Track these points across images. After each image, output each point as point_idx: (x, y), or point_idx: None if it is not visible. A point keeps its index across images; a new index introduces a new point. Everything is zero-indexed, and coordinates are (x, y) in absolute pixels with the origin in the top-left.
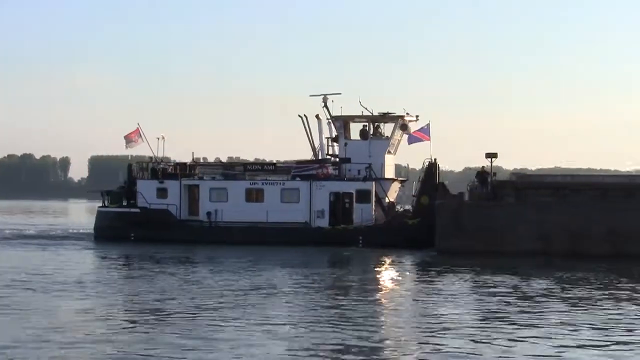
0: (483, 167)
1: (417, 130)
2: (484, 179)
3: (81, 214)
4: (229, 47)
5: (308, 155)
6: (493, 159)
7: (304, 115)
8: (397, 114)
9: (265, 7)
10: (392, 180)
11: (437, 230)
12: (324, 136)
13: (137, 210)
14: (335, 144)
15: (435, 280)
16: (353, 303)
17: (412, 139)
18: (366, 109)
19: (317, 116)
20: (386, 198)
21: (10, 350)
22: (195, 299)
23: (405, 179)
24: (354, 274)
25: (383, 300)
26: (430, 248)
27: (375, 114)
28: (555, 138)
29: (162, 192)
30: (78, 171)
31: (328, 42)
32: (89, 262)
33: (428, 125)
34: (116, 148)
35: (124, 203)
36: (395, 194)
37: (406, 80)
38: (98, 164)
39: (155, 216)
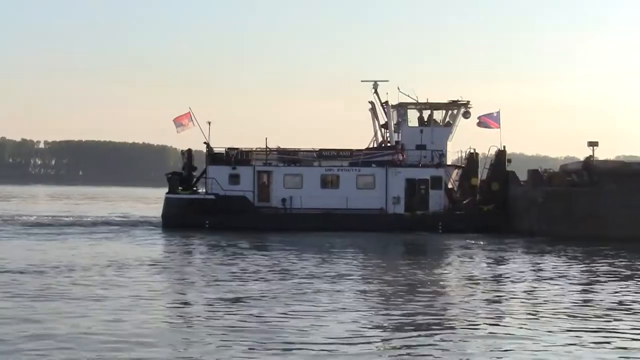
0: (590, 156)
1: (487, 117)
2: (589, 167)
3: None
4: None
5: (347, 142)
6: (595, 147)
7: (372, 102)
8: (463, 100)
9: None
10: (455, 167)
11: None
12: (380, 122)
13: (212, 196)
14: (384, 129)
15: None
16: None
17: (482, 124)
18: (409, 96)
19: (386, 102)
20: (449, 184)
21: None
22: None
23: (462, 165)
24: (480, 260)
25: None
26: (506, 232)
27: (440, 101)
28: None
29: (234, 179)
30: None
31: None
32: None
33: (498, 112)
34: None
35: (180, 189)
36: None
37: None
38: None
39: (233, 203)
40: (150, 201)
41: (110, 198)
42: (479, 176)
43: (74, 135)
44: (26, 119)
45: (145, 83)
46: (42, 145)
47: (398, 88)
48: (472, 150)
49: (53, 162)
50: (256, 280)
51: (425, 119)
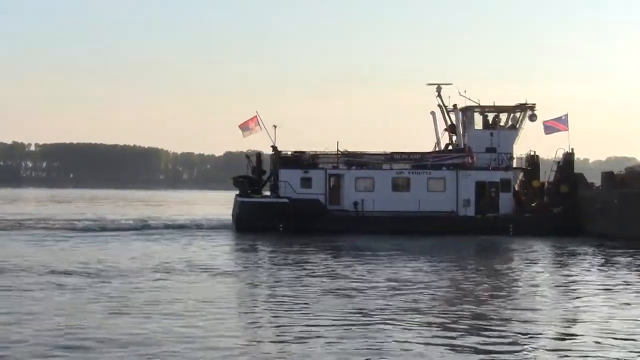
0: None
1: (554, 121)
2: None
3: None
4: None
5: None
6: None
7: (440, 106)
8: (529, 103)
9: None
10: (520, 169)
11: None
12: (445, 125)
13: (286, 200)
14: (450, 132)
15: None
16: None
17: (549, 129)
18: (469, 99)
19: (454, 106)
20: (515, 186)
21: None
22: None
23: (528, 167)
24: (566, 264)
25: None
26: (577, 235)
27: (508, 104)
28: None
29: (306, 182)
30: None
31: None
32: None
33: (566, 115)
34: None
35: (249, 192)
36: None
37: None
38: None
39: (306, 206)
40: (156, 203)
41: (120, 201)
42: (546, 178)
43: (65, 137)
44: (17, 121)
45: (136, 85)
46: (33, 148)
47: (459, 92)
48: (532, 153)
49: (44, 164)
50: (364, 292)
51: (490, 122)
